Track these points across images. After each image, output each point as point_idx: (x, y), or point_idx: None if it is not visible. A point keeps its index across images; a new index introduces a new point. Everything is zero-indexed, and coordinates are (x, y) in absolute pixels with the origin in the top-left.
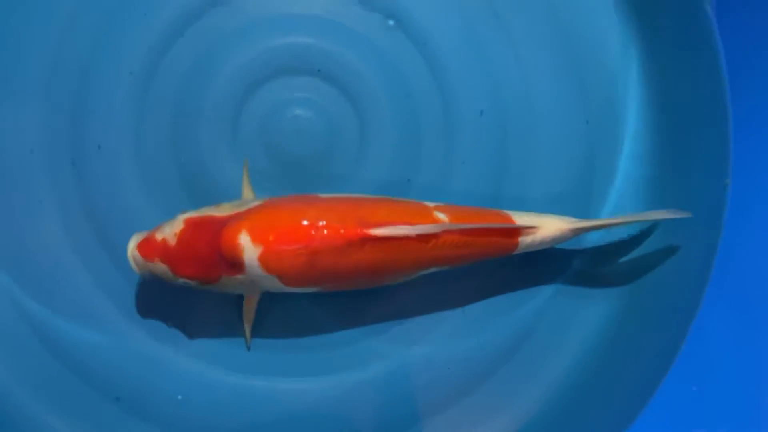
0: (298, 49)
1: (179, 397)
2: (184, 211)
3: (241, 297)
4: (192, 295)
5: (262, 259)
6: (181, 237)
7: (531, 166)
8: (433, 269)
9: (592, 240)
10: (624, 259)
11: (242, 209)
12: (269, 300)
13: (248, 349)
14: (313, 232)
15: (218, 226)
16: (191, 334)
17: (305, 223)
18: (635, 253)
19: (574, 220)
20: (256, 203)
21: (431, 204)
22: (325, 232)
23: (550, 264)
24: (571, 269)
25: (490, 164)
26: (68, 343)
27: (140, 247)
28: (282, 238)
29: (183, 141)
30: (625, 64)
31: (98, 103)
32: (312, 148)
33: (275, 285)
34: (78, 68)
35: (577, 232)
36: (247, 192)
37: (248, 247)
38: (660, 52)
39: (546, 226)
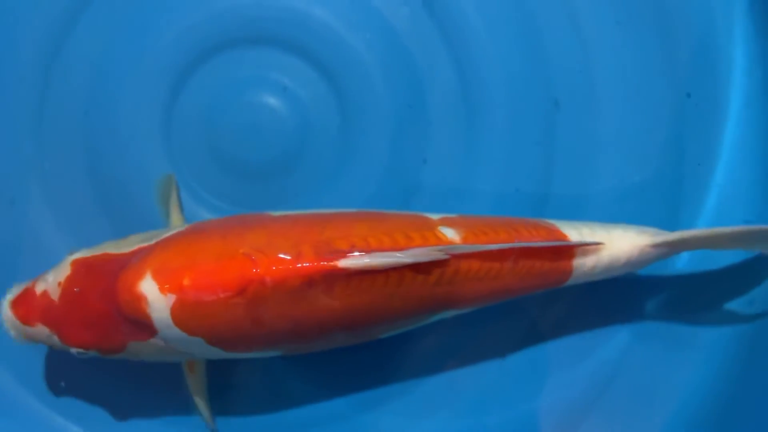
0: (254, 10)
1: None
2: (72, 251)
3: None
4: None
5: (177, 315)
6: (67, 288)
7: (591, 156)
8: (443, 314)
9: (683, 263)
10: (730, 288)
11: (151, 242)
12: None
13: (214, 431)
14: (252, 270)
15: (116, 268)
16: (125, 417)
17: (240, 255)
18: (746, 280)
19: (657, 231)
20: (172, 232)
21: (436, 216)
22: (272, 268)
23: (621, 298)
24: (654, 306)
25: (529, 152)
26: None
27: (14, 305)
28: (203, 280)
29: (96, 150)
30: (726, 12)
31: None
32: (275, 152)
33: (207, 350)
34: None
35: (662, 251)
36: (176, 217)
37: (155, 299)
38: None
39: (615, 243)
